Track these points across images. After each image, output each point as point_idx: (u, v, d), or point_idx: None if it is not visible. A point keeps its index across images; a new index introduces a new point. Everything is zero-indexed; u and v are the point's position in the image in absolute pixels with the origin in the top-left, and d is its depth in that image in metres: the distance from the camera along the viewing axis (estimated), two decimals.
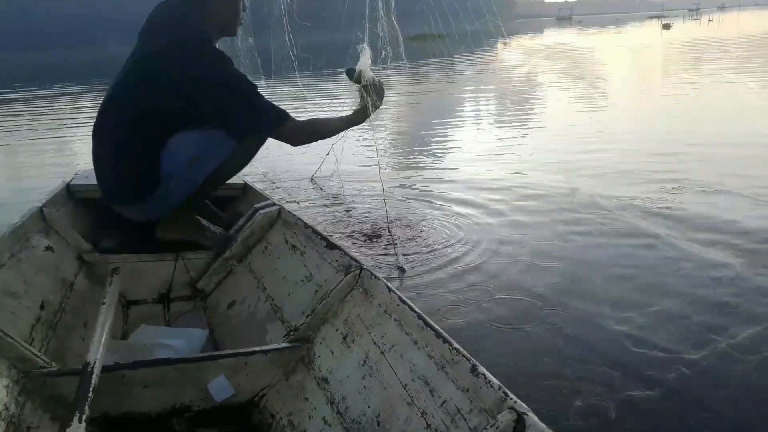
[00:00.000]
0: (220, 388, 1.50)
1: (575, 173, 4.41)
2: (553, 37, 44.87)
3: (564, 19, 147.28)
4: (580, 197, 3.80)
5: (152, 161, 1.94)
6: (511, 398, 1.01)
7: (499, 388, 1.03)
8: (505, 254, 2.90)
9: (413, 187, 4.39)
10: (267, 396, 1.55)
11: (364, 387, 1.34)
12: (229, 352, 1.56)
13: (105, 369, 1.39)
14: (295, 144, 2.11)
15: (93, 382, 1.29)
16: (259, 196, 2.51)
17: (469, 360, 1.12)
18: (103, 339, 1.50)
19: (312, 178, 4.58)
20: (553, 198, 3.82)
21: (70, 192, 2.50)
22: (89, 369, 1.33)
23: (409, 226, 3.37)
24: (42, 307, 1.72)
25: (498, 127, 7.15)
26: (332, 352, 1.51)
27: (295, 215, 2.13)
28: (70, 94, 16.54)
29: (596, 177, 4.26)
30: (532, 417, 0.96)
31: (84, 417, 1.18)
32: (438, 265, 2.79)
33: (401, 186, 4.37)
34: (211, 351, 1.82)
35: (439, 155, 5.63)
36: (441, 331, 1.24)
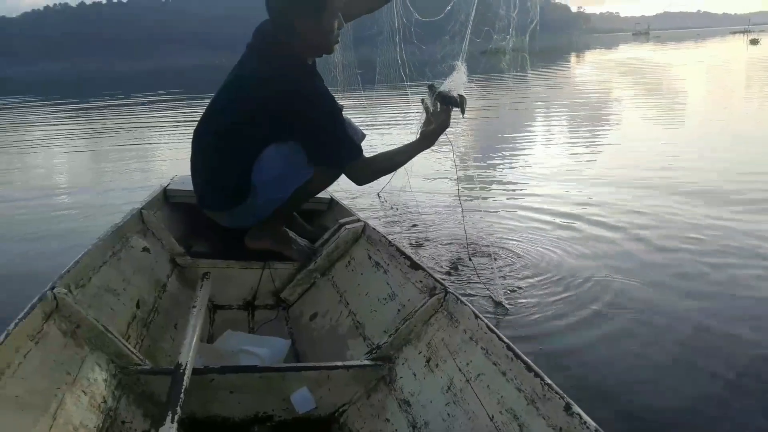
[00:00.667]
0: (302, 400, 1.51)
1: (666, 191, 4.21)
2: (629, 52, 43.46)
3: (641, 33, 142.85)
4: (684, 218, 3.57)
5: (244, 172, 2.00)
6: None
7: (597, 430, 0.99)
8: (630, 292, 2.56)
9: (490, 202, 4.20)
10: (347, 412, 1.55)
11: (448, 414, 1.31)
12: (312, 364, 1.58)
13: (195, 371, 1.44)
14: (359, 183, 2.13)
15: (184, 383, 1.33)
16: (344, 211, 2.54)
17: (562, 397, 1.07)
18: (194, 342, 1.54)
19: (379, 194, 4.38)
20: (651, 218, 3.59)
21: (167, 196, 2.61)
22: (181, 370, 1.37)
23: (494, 249, 3.12)
24: (138, 306, 1.79)
25: (574, 143, 6.94)
26: (415, 375, 1.49)
27: (379, 232, 2.13)
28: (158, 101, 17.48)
29: (692, 196, 4.03)
30: None
31: (176, 417, 1.22)
32: (546, 303, 2.47)
33: (478, 201, 4.17)
34: (293, 361, 1.85)
35: (514, 170, 5.44)
36: (532, 364, 1.20)
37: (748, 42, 44.44)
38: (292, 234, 2.28)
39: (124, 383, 1.44)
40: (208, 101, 2.11)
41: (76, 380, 1.30)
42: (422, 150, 2.12)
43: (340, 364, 1.56)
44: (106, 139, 9.84)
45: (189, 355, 1.45)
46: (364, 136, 2.20)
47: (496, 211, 3.96)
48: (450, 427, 1.28)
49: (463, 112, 2.04)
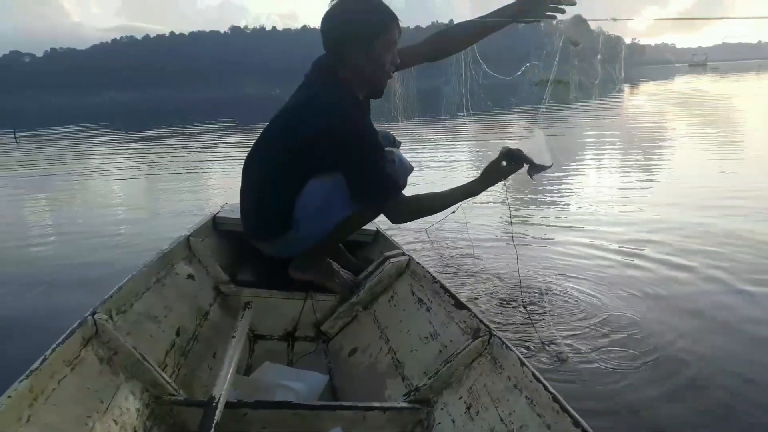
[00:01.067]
0: None
1: (730, 225, 3.97)
2: (686, 83, 42.34)
3: (698, 65, 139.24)
4: (755, 255, 3.35)
5: (289, 202, 1.98)
6: None
7: None
8: (718, 354, 2.23)
9: (544, 237, 3.99)
10: None
11: None
12: (348, 404, 1.52)
13: (228, 405, 1.41)
14: (395, 222, 2.09)
15: (216, 417, 1.31)
16: (390, 244, 2.51)
17: None
18: (230, 374, 1.52)
19: (426, 229, 4.13)
20: (716, 255, 3.33)
21: (216, 224, 2.62)
22: (214, 404, 1.35)
23: (549, 290, 2.92)
24: (177, 334, 1.78)
25: (630, 175, 6.63)
26: (453, 422, 1.42)
27: (424, 267, 2.08)
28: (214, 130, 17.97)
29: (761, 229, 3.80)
30: None
31: None
32: (616, 358, 2.22)
33: (530, 236, 3.99)
34: (330, 398, 1.80)
35: (567, 203, 5.20)
36: (580, 419, 1.11)
37: None
38: (335, 266, 2.26)
39: (157, 413, 1.42)
40: (260, 129, 2.11)
41: (109, 409, 1.29)
42: (469, 196, 2.05)
43: (377, 405, 1.50)
44: (160, 167, 10.15)
45: (223, 387, 1.43)
46: (411, 169, 2.16)
47: (550, 246, 3.76)
48: None
49: (531, 174, 1.96)
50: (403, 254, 2.25)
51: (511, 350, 1.42)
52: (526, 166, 1.95)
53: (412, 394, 1.54)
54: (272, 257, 2.22)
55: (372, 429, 1.48)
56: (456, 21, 2.42)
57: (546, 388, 1.23)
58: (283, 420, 1.46)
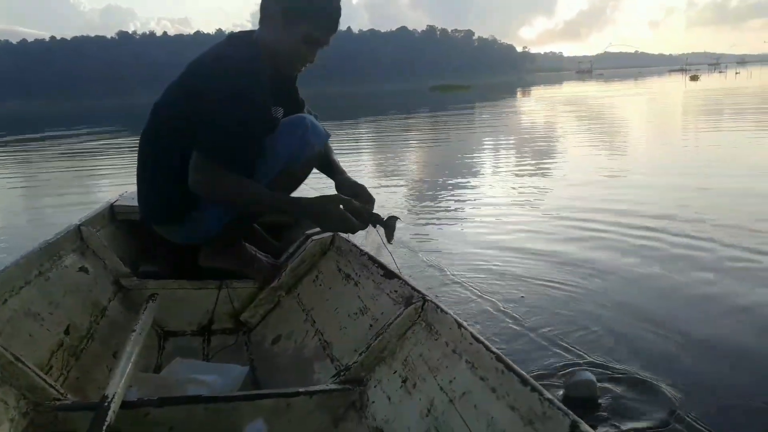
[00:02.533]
0: None
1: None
2: (574, 88, 44.87)
3: (584, 72, 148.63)
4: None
5: (184, 180, 1.73)
6: None
7: None
8: None
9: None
10: None
11: None
12: (269, 392, 1.35)
13: (125, 405, 1.21)
14: (192, 186, 1.72)
15: (108, 419, 1.11)
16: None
17: (567, 414, 0.89)
18: (128, 370, 1.32)
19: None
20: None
21: (114, 213, 2.37)
22: (106, 404, 1.15)
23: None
24: (67, 332, 1.55)
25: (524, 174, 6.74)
26: (389, 398, 1.29)
27: (350, 242, 1.92)
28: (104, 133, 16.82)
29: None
30: None
31: None
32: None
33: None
34: (251, 390, 1.60)
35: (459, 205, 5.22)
36: (528, 377, 1.00)
37: (689, 79, 47.14)
38: (252, 249, 2.05)
39: (38, 422, 1.21)
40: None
41: None
42: (294, 210, 1.90)
43: (302, 390, 1.34)
44: (44, 168, 9.43)
45: (119, 385, 1.22)
46: (327, 135, 1.96)
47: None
48: None
49: (388, 237, 1.75)
50: None
51: (447, 313, 1.30)
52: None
53: (342, 374, 1.40)
54: (179, 246, 2.01)
55: (298, 417, 1.32)
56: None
57: (488, 348, 1.12)
58: (194, 417, 1.27)
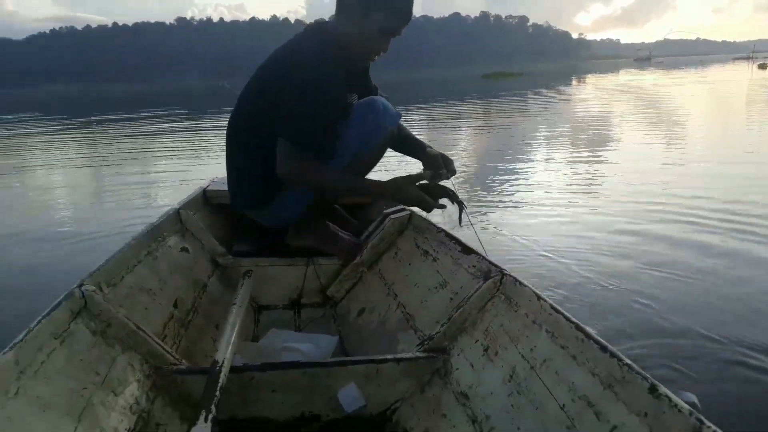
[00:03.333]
0: (350, 397, 1.40)
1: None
2: (632, 76, 43.06)
3: (643, 59, 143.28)
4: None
5: (273, 167, 1.84)
6: (709, 426, 0.81)
7: (691, 414, 0.84)
8: None
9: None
10: (400, 409, 1.43)
11: (512, 406, 1.18)
12: (360, 358, 1.46)
13: (233, 370, 1.35)
14: (280, 172, 1.82)
15: (221, 381, 1.24)
16: (389, 202, 2.41)
17: (646, 379, 0.93)
18: (233, 339, 1.45)
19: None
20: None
21: (206, 197, 2.54)
22: (217, 368, 1.28)
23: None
24: (175, 306, 1.70)
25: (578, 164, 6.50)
26: (472, 365, 1.36)
27: (426, 220, 2.01)
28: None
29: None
30: None
31: (210, 416, 1.13)
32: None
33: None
34: (341, 357, 1.74)
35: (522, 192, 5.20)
36: (607, 344, 1.05)
37: (756, 67, 43.48)
38: (334, 228, 2.18)
39: (159, 384, 1.36)
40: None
41: (106, 381, 1.22)
42: (373, 192, 1.95)
43: (389, 357, 1.44)
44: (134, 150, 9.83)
45: (227, 352, 1.36)
46: (398, 116, 1.99)
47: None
48: (515, 419, 1.15)
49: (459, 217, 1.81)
50: (404, 209, 2.18)
51: (525, 286, 1.36)
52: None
53: (426, 343, 1.48)
54: (268, 228, 2.14)
55: (387, 382, 1.43)
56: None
57: (567, 319, 1.17)
58: (294, 381, 1.40)
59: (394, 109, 2.00)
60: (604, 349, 1.05)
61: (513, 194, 4.96)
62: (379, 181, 1.86)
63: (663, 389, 0.90)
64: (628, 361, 0.99)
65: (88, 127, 16.15)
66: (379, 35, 1.83)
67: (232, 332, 1.49)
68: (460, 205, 1.83)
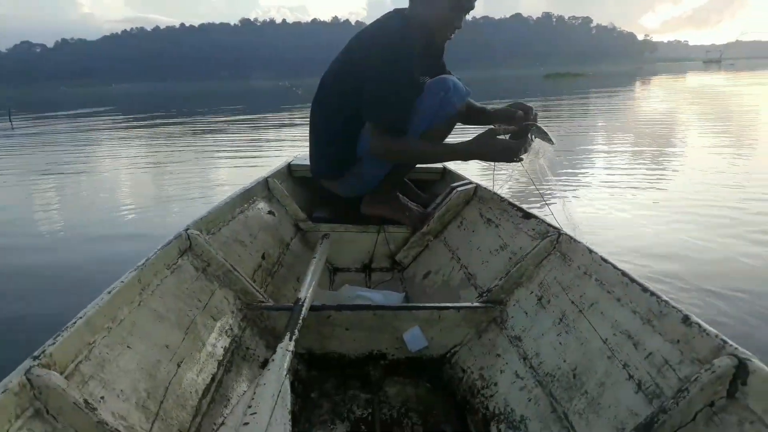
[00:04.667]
0: (414, 338, 1.55)
1: None
2: (699, 79, 41.41)
3: (712, 62, 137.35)
4: None
5: (350, 141, 2.09)
6: (732, 345, 0.90)
7: (717, 336, 0.93)
8: None
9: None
10: (459, 353, 1.57)
11: (560, 343, 1.29)
12: (425, 305, 1.60)
13: (313, 308, 1.52)
14: (372, 151, 2.03)
15: (303, 313, 1.42)
16: (457, 177, 2.58)
17: (680, 311, 1.03)
18: (313, 285, 1.63)
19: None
20: None
21: (291, 170, 2.81)
22: (300, 303, 1.47)
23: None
24: (263, 257, 1.92)
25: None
26: (526, 313, 1.48)
27: (491, 191, 2.14)
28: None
29: None
30: (756, 362, 0.84)
31: (293, 339, 1.30)
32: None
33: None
34: None
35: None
36: (648, 285, 1.15)
37: None
38: (405, 200, 2.35)
39: (249, 317, 1.55)
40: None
41: (206, 308, 1.41)
42: (457, 159, 2.02)
43: (450, 305, 1.58)
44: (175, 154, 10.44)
45: (308, 292, 1.54)
46: (468, 93, 2.12)
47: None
48: (561, 354, 1.26)
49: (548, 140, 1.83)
50: (470, 183, 2.32)
51: (579, 243, 1.45)
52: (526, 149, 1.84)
53: (485, 295, 1.61)
54: (344, 198, 2.34)
55: (448, 327, 1.57)
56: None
57: (615, 267, 1.26)
58: (365, 320, 1.56)
59: (464, 86, 2.13)
60: (645, 289, 1.15)
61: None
62: (462, 142, 1.99)
63: (695, 318, 1.00)
64: (666, 298, 1.09)
65: (164, 124, 16.86)
66: (450, 12, 1.98)
67: (312, 280, 1.67)
68: (544, 136, 1.83)
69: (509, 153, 1.88)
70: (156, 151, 10.09)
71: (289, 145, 9.52)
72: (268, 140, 10.87)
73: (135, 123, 17.37)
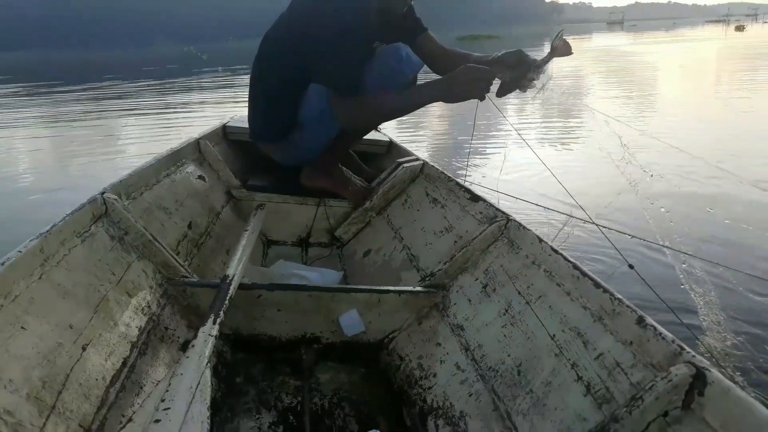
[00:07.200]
0: (351, 322, 1.46)
1: None
2: (610, 40, 42.65)
3: (615, 23, 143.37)
4: None
5: (291, 103, 1.95)
6: (689, 352, 0.84)
7: (673, 341, 0.88)
8: None
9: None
10: (397, 339, 1.49)
11: (504, 336, 1.23)
12: (363, 287, 1.51)
13: (242, 286, 1.40)
14: (342, 122, 1.92)
15: (230, 293, 1.30)
16: (403, 152, 2.46)
17: (634, 311, 0.97)
18: (243, 260, 1.50)
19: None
20: None
21: (226, 132, 2.60)
22: (228, 281, 1.34)
23: None
24: (189, 227, 1.76)
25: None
26: (469, 301, 1.41)
27: (438, 169, 2.04)
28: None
29: None
30: (715, 373, 0.79)
31: (218, 320, 1.18)
32: None
33: None
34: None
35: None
36: (600, 281, 1.08)
37: (734, 29, 45.19)
38: (348, 173, 2.22)
39: (170, 293, 1.41)
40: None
41: (121, 282, 1.27)
42: (427, 96, 1.82)
43: (391, 288, 1.49)
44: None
45: (237, 269, 1.41)
46: (420, 65, 2.00)
47: None
48: (506, 347, 1.20)
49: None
50: (417, 159, 2.21)
51: (528, 230, 1.39)
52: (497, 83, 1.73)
53: (428, 279, 1.53)
54: (282, 165, 2.19)
55: (387, 312, 1.48)
56: None
57: (565, 258, 1.20)
58: (299, 302, 1.45)
59: (417, 58, 2.01)
60: (597, 285, 1.09)
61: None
62: (428, 81, 1.84)
63: (650, 320, 0.94)
64: (619, 296, 1.03)
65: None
66: None
67: (243, 255, 1.54)
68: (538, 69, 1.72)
69: (478, 91, 1.70)
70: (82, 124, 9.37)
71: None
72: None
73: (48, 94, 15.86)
